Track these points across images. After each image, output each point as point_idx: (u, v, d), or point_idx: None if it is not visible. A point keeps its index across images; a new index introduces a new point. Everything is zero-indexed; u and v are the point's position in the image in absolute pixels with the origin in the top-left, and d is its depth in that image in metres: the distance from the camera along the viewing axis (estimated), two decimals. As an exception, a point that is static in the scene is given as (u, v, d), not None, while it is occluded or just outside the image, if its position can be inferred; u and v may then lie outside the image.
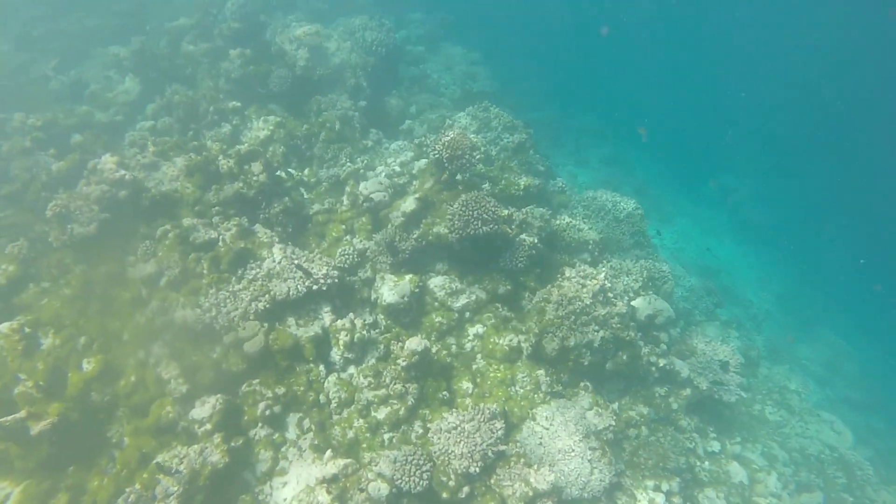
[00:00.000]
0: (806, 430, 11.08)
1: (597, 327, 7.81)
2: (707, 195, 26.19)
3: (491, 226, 8.24)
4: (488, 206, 8.24)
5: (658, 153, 26.81)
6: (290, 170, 10.98)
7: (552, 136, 22.35)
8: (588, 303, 7.81)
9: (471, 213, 8.17)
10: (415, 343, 7.21)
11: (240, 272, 7.91)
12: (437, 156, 9.01)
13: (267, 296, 7.59)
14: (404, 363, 7.24)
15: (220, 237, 8.13)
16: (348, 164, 11.05)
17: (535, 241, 9.33)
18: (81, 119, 11.94)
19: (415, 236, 8.98)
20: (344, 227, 9.41)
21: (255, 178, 9.01)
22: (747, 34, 40.01)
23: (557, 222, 10.57)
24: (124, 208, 8.39)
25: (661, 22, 39.80)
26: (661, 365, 8.86)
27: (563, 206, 12.68)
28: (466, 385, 7.59)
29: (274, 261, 8.22)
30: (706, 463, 8.52)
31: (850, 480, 10.18)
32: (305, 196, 10.74)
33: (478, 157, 9.15)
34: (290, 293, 7.69)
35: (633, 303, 9.13)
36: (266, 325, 7.40)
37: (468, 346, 8.27)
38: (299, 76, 12.59)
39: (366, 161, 11.42)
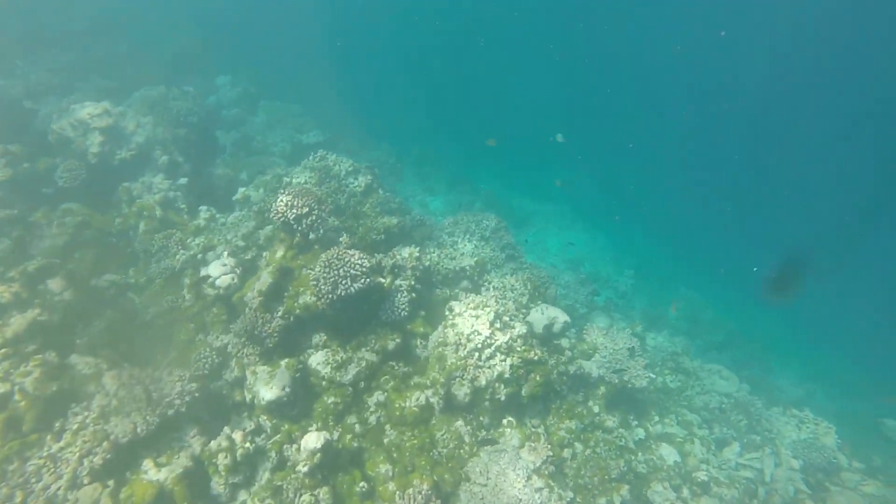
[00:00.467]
0: (703, 385, 11.69)
1: (502, 356, 7.29)
2: (552, 193, 27.93)
3: (362, 281, 7.37)
4: (353, 259, 7.38)
5: (497, 165, 28.11)
6: (107, 276, 9.06)
7: (395, 172, 22.18)
8: (487, 334, 7.27)
9: (336, 272, 7.24)
10: (312, 440, 6.03)
11: (58, 425, 6.06)
12: (282, 219, 7.95)
13: (105, 443, 5.88)
14: (305, 467, 6.00)
15: (16, 388, 6.19)
16: (181, 251, 9.44)
17: (412, 282, 8.67)
18: None
19: (280, 314, 7.78)
20: (193, 325, 7.86)
21: (57, 299, 7.15)
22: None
23: (428, 256, 10.02)
24: None
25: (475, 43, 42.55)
26: (572, 372, 8.65)
27: (428, 238, 12.23)
28: (385, 467, 6.54)
29: (108, 394, 6.49)
30: (640, 455, 8.39)
31: (750, 419, 10.85)
32: (137, 301, 8.92)
33: (327, 209, 8.27)
34: (139, 429, 6.07)
35: (527, 318, 8.82)
36: (111, 482, 5.69)
37: (373, 419, 7.23)
38: (95, 165, 10.66)
39: (202, 243, 9.89)
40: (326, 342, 7.98)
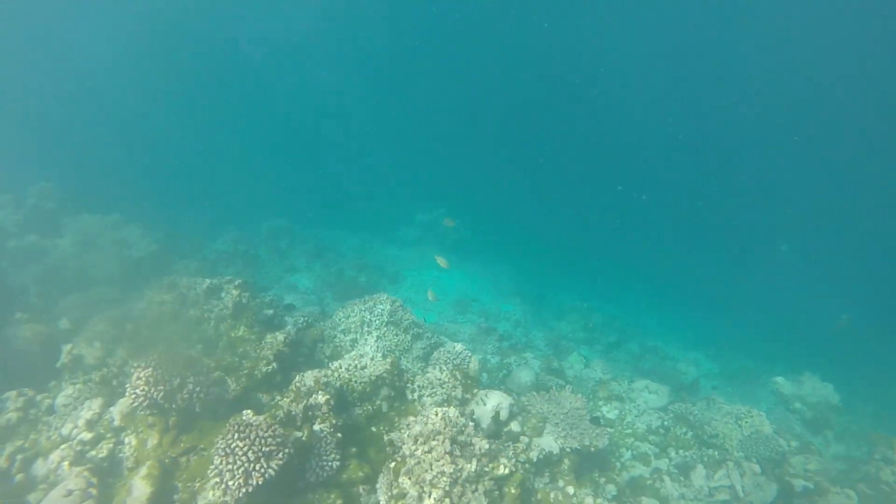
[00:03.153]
0: (638, 407, 11.62)
1: (473, 488, 6.08)
2: (408, 239, 27.44)
3: (281, 454, 5.68)
4: (262, 432, 5.66)
5: (350, 224, 26.97)
6: None
7: (250, 260, 19.80)
8: (451, 470, 6.00)
9: (245, 458, 5.46)
10: None
11: None
12: (147, 402, 5.91)
13: None
14: None
15: None
16: (-8, 477, 6.71)
17: (334, 420, 7.11)
18: None
19: (173, 529, 5.73)
20: None
21: None
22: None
23: (334, 374, 8.41)
24: None
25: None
26: (535, 458, 7.75)
27: (320, 341, 10.61)
28: None
29: None
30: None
31: (692, 429, 10.92)
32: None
33: (204, 368, 6.39)
34: None
35: (473, 416, 7.74)
36: None
37: None
38: None
39: (22, 450, 7.19)
40: (246, 539, 6.07)
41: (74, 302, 11.76)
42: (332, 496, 6.47)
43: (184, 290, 9.35)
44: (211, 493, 5.73)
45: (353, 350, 9.84)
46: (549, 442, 8.10)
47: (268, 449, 5.58)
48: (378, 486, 6.54)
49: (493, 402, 7.98)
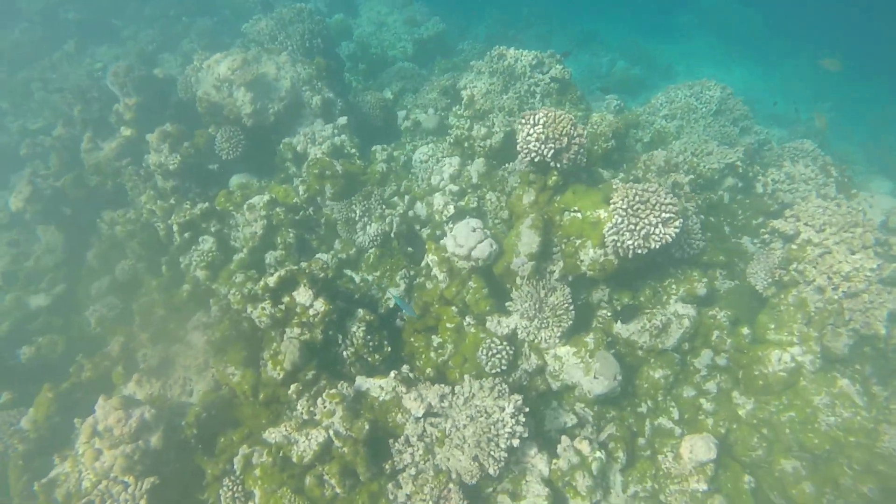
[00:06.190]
0: None
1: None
2: (678, 28, 23.55)
3: (677, 222, 5.56)
4: (661, 198, 5.51)
5: (613, 11, 23.89)
6: (320, 258, 7.97)
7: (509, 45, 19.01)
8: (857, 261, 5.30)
9: (646, 220, 5.44)
10: (701, 449, 4.72)
11: (387, 466, 5.20)
12: (537, 158, 6.10)
13: (452, 486, 4.94)
14: (699, 483, 4.78)
15: (331, 432, 5.25)
16: (388, 210, 8.07)
17: (699, 201, 6.78)
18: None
19: (556, 275, 6.32)
20: (455, 309, 6.60)
21: (312, 313, 6.08)
22: None
23: (680, 156, 7.87)
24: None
25: None
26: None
27: (634, 127, 9.99)
28: (790, 463, 5.20)
29: (418, 424, 5.52)
30: None
31: None
32: (356, 280, 7.86)
33: (582, 137, 6.26)
34: (489, 468, 5.05)
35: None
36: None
37: (712, 387, 5.84)
38: (252, 127, 9.20)
39: (405, 189, 8.43)
40: (611, 295, 6.51)
41: (390, 76, 12.68)
42: (696, 273, 6.41)
43: (513, 62, 9.17)
44: (593, 250, 6.00)
45: (680, 137, 9.02)
46: None
47: (666, 216, 5.48)
48: (751, 270, 6.24)
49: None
